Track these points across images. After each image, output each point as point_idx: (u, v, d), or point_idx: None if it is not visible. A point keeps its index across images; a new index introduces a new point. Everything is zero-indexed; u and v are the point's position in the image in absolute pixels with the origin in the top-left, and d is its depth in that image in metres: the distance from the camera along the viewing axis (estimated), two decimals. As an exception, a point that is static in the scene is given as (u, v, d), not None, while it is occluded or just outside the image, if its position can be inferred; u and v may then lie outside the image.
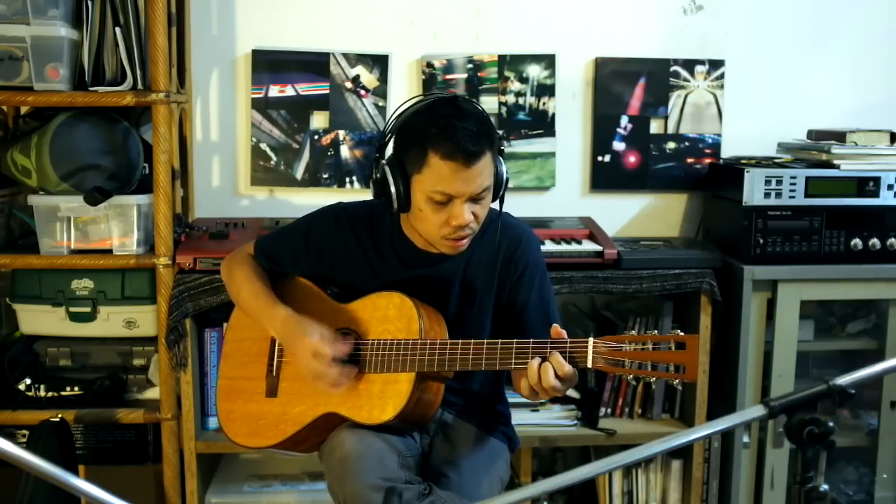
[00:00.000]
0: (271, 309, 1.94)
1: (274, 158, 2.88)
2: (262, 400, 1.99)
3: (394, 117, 1.85)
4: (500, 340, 1.75)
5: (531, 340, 1.72)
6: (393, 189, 1.80)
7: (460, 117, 1.74)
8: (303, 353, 1.84)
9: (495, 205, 1.89)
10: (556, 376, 1.66)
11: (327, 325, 1.93)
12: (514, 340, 1.73)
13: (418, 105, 1.81)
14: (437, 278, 1.92)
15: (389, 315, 1.87)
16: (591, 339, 1.66)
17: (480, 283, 1.94)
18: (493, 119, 2.91)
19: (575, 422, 2.68)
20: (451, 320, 1.90)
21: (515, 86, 2.91)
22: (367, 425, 1.82)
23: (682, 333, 1.62)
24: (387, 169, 1.81)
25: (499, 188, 1.85)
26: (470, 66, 2.90)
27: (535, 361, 1.69)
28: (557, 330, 1.71)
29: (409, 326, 1.83)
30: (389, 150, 1.86)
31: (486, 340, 1.76)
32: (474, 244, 1.90)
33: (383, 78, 2.88)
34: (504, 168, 1.85)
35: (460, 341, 1.78)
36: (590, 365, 1.65)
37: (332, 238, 1.98)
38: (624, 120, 2.97)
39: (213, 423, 2.61)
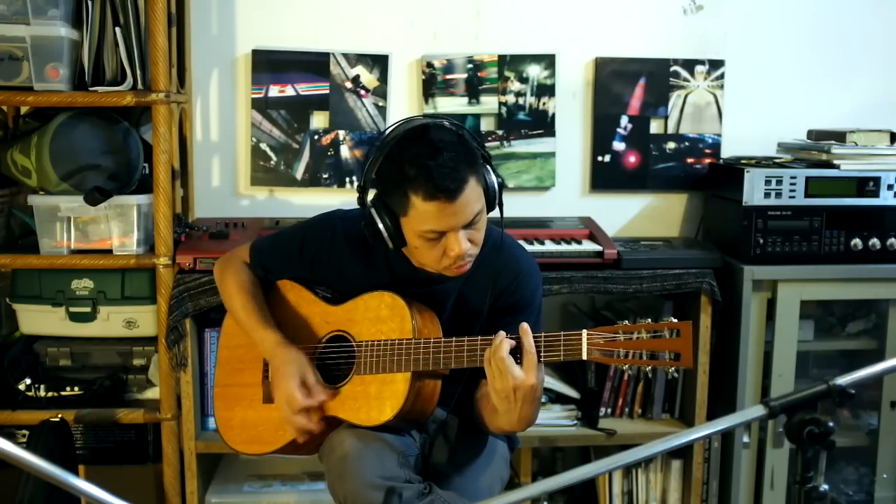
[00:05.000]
0: (262, 331, 1.93)
1: (274, 158, 2.88)
2: (259, 406, 1.99)
3: (370, 160, 1.79)
4: (492, 336, 1.73)
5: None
6: (384, 231, 1.77)
7: (434, 154, 1.68)
8: (279, 393, 1.85)
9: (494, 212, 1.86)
10: (515, 355, 1.65)
11: (319, 329, 1.93)
12: (509, 334, 1.72)
13: (391, 144, 1.75)
14: (431, 297, 1.90)
15: (382, 315, 1.86)
16: (584, 331, 1.65)
17: (474, 306, 1.91)
18: (493, 119, 2.92)
19: (575, 422, 2.68)
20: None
21: (515, 86, 2.91)
22: (367, 426, 1.82)
23: (675, 321, 1.62)
24: (373, 212, 1.78)
25: (492, 200, 1.80)
26: (470, 66, 2.90)
27: (501, 335, 1.69)
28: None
29: (402, 326, 1.83)
30: (373, 192, 1.81)
31: (479, 337, 1.75)
32: (474, 268, 1.85)
33: (383, 78, 2.88)
34: (493, 178, 1.79)
35: (454, 339, 1.77)
36: (584, 356, 1.64)
37: (326, 251, 1.97)
38: (624, 120, 2.97)
39: (212, 423, 2.60)
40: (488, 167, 1.79)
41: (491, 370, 1.69)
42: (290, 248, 2.02)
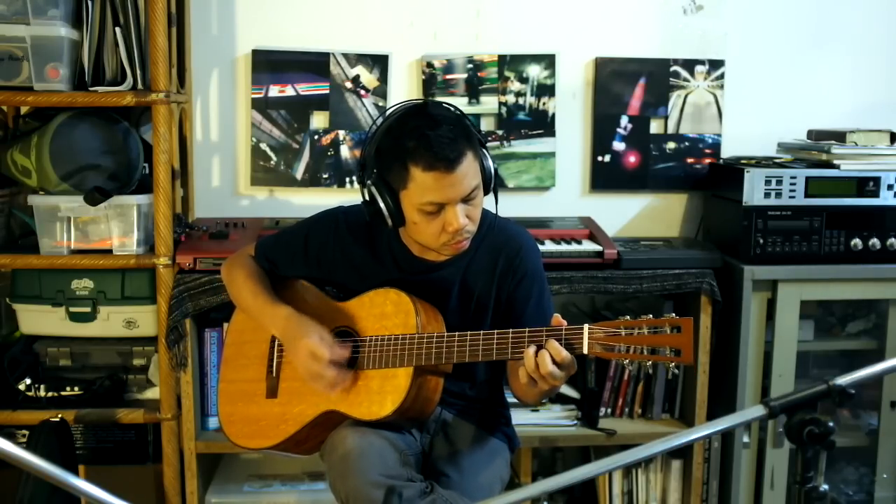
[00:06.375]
0: (272, 308, 1.94)
1: (274, 158, 2.88)
2: (262, 401, 1.99)
3: (370, 139, 1.84)
4: (496, 331, 1.74)
5: (527, 329, 1.72)
6: (384, 208, 1.80)
7: (433, 125, 1.73)
8: (301, 353, 1.84)
9: (490, 202, 1.88)
10: (554, 363, 1.65)
11: (325, 324, 1.94)
12: (510, 330, 1.73)
13: (390, 120, 1.80)
14: (435, 285, 1.91)
15: (386, 311, 1.87)
16: (586, 325, 1.66)
17: (479, 291, 1.93)
18: (493, 119, 2.92)
19: (575, 422, 2.68)
20: (449, 327, 1.88)
21: (515, 86, 2.91)
22: (367, 421, 1.83)
23: (676, 317, 1.62)
24: (373, 189, 1.81)
25: (488, 183, 1.84)
26: (470, 66, 2.90)
27: (531, 349, 1.67)
28: (558, 319, 1.71)
29: (407, 322, 1.83)
30: (372, 170, 1.83)
31: (482, 331, 1.76)
32: (473, 251, 1.90)
33: (383, 78, 2.88)
34: (490, 162, 1.84)
35: (457, 333, 1.78)
36: (586, 351, 1.65)
37: (331, 244, 1.98)
38: (624, 120, 2.97)
39: (213, 423, 2.61)
40: (485, 151, 1.83)
41: (534, 374, 1.68)
42: (294, 244, 2.03)
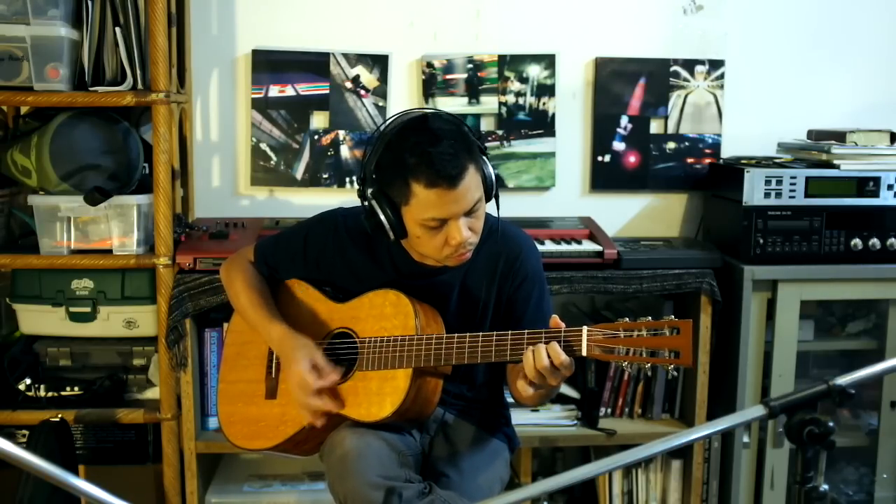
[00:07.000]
0: (269, 324, 1.95)
1: (274, 158, 2.88)
2: (261, 402, 1.99)
3: (370, 151, 1.82)
4: (494, 332, 1.75)
5: (526, 331, 1.72)
6: (385, 221, 1.79)
7: (434, 141, 1.71)
8: (291, 379, 1.86)
9: (491, 207, 1.88)
10: (552, 365, 1.64)
11: (324, 325, 1.93)
12: (509, 332, 1.73)
13: (390, 133, 1.78)
14: (435, 289, 1.91)
15: (386, 313, 1.87)
16: (585, 328, 1.66)
17: (479, 294, 1.93)
18: (493, 119, 2.92)
19: (575, 422, 2.68)
20: (449, 330, 1.88)
21: (515, 86, 2.91)
22: (366, 422, 1.82)
23: (675, 318, 1.62)
24: (374, 203, 1.79)
25: (489, 191, 1.83)
26: (470, 66, 2.90)
27: (530, 351, 1.67)
28: (556, 321, 1.71)
29: (406, 323, 1.83)
30: (373, 184, 1.81)
31: (481, 333, 1.76)
32: (474, 255, 1.88)
33: (383, 78, 2.88)
34: (490, 169, 1.82)
35: (456, 335, 1.78)
36: (584, 352, 1.65)
37: (330, 247, 1.98)
38: (624, 120, 2.97)
39: (213, 423, 2.61)
40: (485, 159, 1.82)
41: (529, 372, 1.69)
42: (293, 246, 2.02)
